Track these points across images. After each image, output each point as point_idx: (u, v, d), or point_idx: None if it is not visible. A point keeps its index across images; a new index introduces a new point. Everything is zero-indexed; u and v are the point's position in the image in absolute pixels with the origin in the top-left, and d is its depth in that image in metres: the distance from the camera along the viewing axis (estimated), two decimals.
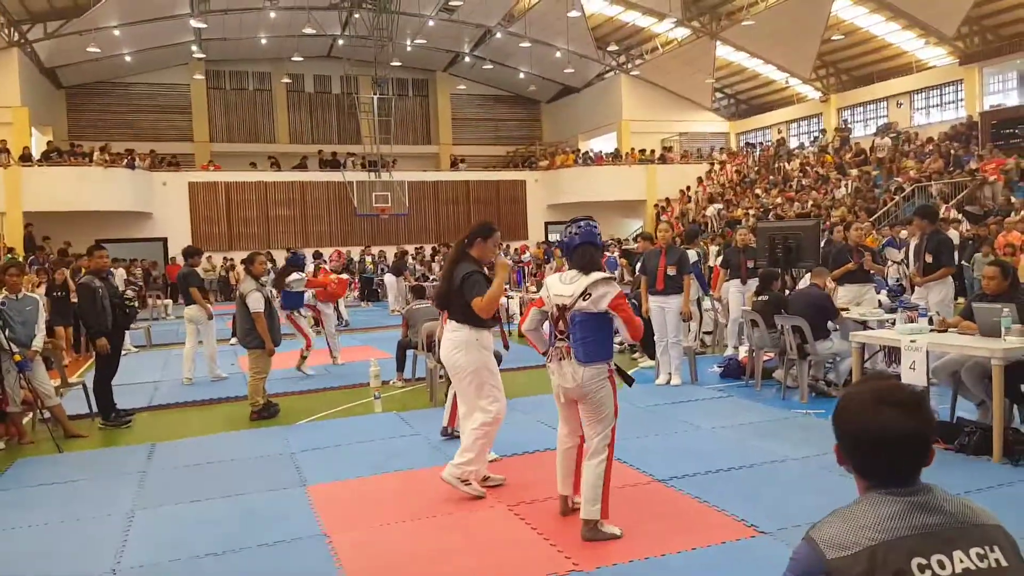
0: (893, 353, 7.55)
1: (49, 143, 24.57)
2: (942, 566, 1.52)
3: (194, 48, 26.47)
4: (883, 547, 1.53)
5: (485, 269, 4.98)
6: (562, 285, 4.30)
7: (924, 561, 1.52)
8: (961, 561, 1.53)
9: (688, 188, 27.98)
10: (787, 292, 8.78)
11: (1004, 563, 1.55)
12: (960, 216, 16.41)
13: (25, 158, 22.13)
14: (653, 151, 29.51)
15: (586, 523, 4.20)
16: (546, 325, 4.47)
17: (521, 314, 13.98)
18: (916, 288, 8.12)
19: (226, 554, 4.25)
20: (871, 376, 1.78)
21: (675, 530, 4.28)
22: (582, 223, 4.42)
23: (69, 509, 5.12)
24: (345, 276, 11.36)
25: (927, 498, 1.60)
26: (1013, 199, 15.31)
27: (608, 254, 20.47)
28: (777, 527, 4.24)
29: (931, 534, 1.55)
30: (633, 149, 29.32)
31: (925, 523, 1.56)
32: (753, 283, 9.22)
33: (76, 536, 4.66)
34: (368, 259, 25.01)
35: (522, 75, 31.23)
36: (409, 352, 9.04)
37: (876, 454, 1.61)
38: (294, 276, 10.20)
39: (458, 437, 5.96)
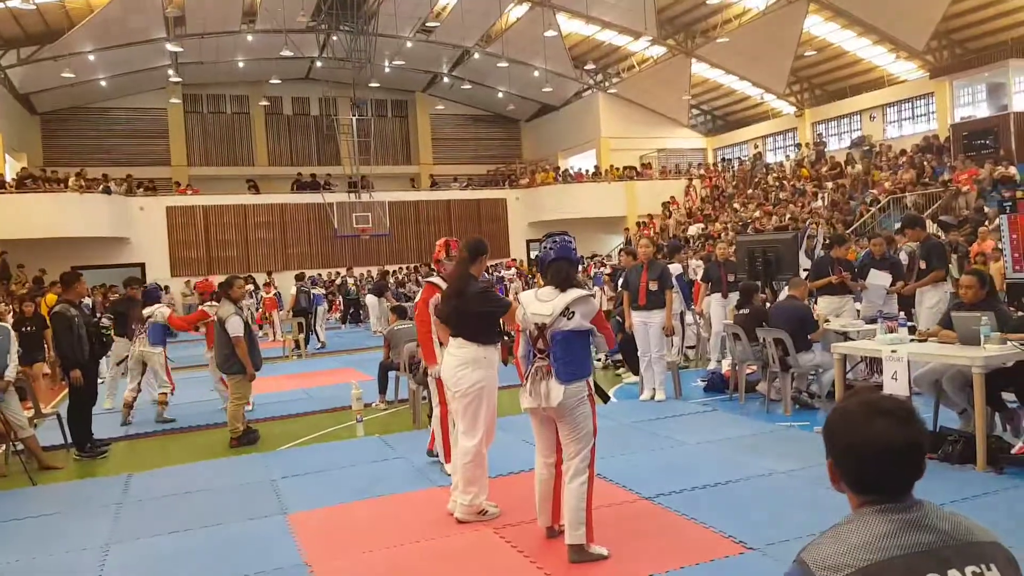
0: (874, 364, 7.59)
1: (23, 169, 24.32)
2: None
3: (170, 72, 26.38)
4: (876, 567, 1.49)
5: None
6: (539, 303, 4.21)
7: None
8: None
9: (672, 200, 28.14)
10: (768, 305, 8.80)
11: None
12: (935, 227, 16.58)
13: None
14: (632, 167, 29.67)
15: (572, 548, 4.13)
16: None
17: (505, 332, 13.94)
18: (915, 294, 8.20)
19: None
20: (858, 389, 1.73)
21: (663, 549, 4.23)
22: (558, 238, 4.36)
23: (42, 545, 4.99)
24: (213, 304, 9.98)
25: (920, 515, 1.56)
26: (987, 208, 15.47)
27: (595, 269, 20.55)
28: (765, 543, 4.20)
29: (925, 553, 1.51)
30: (612, 166, 29.48)
31: (919, 541, 1.52)
32: (734, 297, 9.24)
33: (49, 573, 4.54)
34: (350, 280, 24.89)
35: (501, 94, 31.38)
36: (391, 374, 8.96)
37: (870, 466, 1.57)
38: (157, 308, 9.29)
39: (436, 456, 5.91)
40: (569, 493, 4.14)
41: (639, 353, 8.44)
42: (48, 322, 11.16)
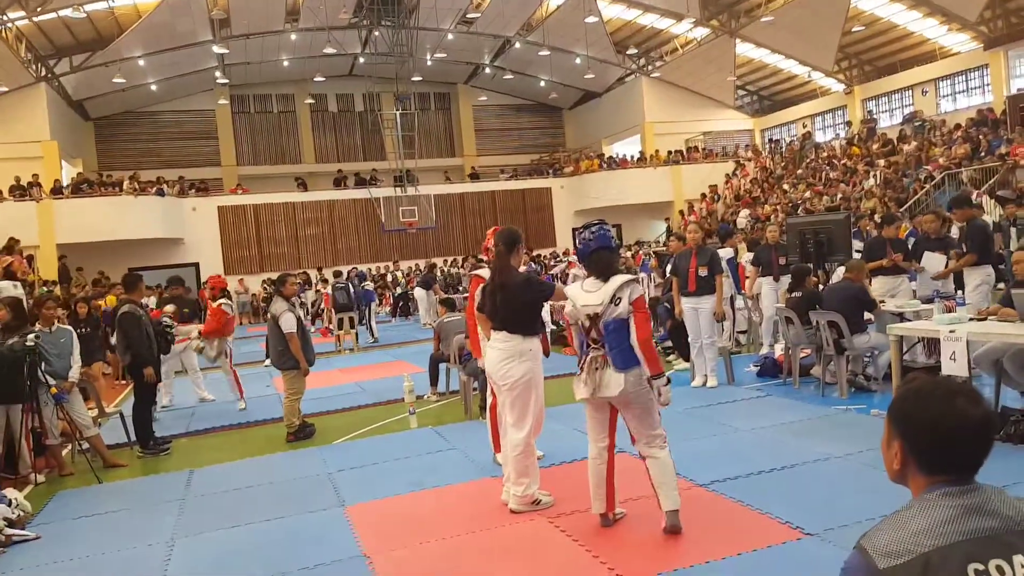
0: (932, 344, 7.41)
1: (79, 175, 25.04)
2: (1001, 571, 1.46)
3: (218, 74, 26.91)
4: (937, 553, 1.47)
5: None
6: (586, 294, 4.24)
7: (982, 567, 1.46)
8: (1022, 566, 1.46)
9: (715, 186, 27.78)
10: (820, 287, 8.65)
11: None
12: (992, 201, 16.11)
13: (56, 191, 22.57)
14: (678, 151, 29.35)
15: (674, 513, 4.21)
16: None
17: (554, 322, 13.99)
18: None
19: None
20: (916, 375, 1.71)
21: (719, 536, 4.20)
22: (595, 228, 4.36)
23: (110, 540, 5.15)
24: (224, 302, 10.01)
25: (982, 500, 1.54)
26: None
27: (644, 257, 20.39)
28: (823, 528, 4.15)
29: (988, 538, 1.48)
30: (657, 151, 29.20)
31: (981, 527, 1.50)
32: (785, 280, 9.10)
33: (117, 567, 4.68)
34: (399, 273, 25.13)
35: (543, 83, 31.28)
36: (442, 366, 9.03)
37: (948, 443, 1.56)
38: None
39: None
40: (655, 466, 4.21)
41: (690, 339, 8.37)
42: (101, 323, 11.53)
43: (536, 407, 4.85)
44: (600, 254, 4.29)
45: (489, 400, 5.83)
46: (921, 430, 1.59)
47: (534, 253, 25.99)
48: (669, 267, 9.03)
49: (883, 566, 1.49)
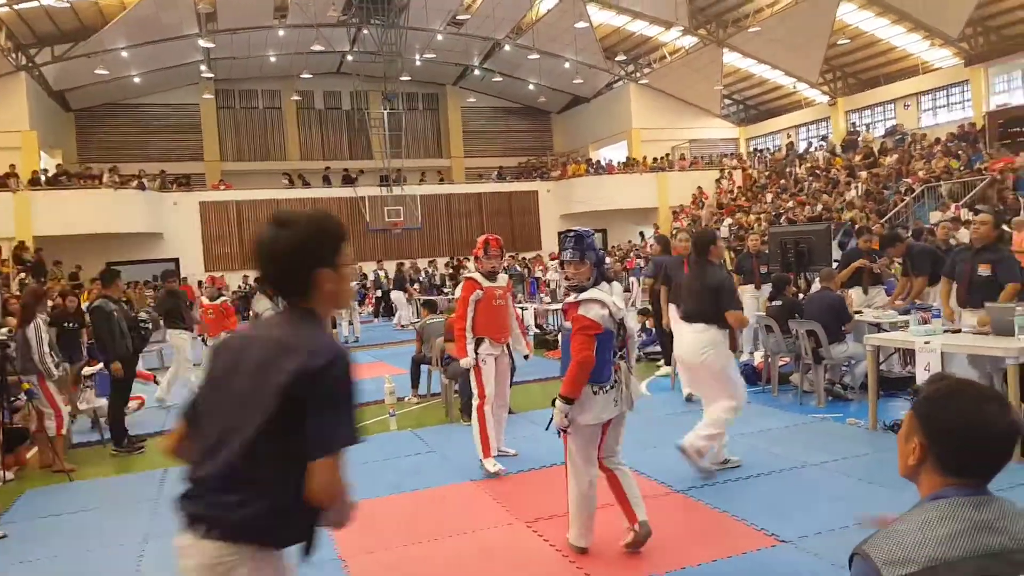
0: (908, 355, 7.50)
1: (58, 166, 24.74)
2: None
3: (203, 68, 26.69)
4: (945, 567, 1.46)
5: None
6: (615, 298, 4.11)
7: None
8: None
9: (700, 191, 27.91)
10: (801, 296, 8.72)
11: None
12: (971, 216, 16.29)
13: (34, 182, 22.25)
14: (665, 158, 29.49)
15: (647, 521, 4.12)
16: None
17: (537, 326, 13.91)
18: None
19: None
20: (947, 374, 1.74)
21: (695, 541, 4.23)
22: (583, 234, 4.18)
23: (80, 540, 5.07)
24: (225, 299, 10.41)
25: (994, 515, 1.53)
26: (1021, 198, 15.15)
27: (637, 261, 20.42)
28: (798, 535, 4.18)
29: (996, 554, 1.48)
30: (644, 157, 29.31)
31: (991, 543, 1.49)
32: (767, 288, 9.16)
33: (87, 568, 4.62)
34: (381, 274, 25.03)
35: (532, 86, 31.31)
36: (423, 368, 9.01)
37: (972, 450, 1.56)
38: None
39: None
40: (628, 478, 4.19)
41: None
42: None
43: (734, 383, 5.43)
44: (599, 258, 4.20)
45: (476, 403, 5.83)
46: (946, 431, 1.58)
47: (520, 256, 26.04)
48: (650, 269, 9.02)
49: (888, 575, 1.47)
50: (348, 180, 28.25)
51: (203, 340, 11.21)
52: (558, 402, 3.95)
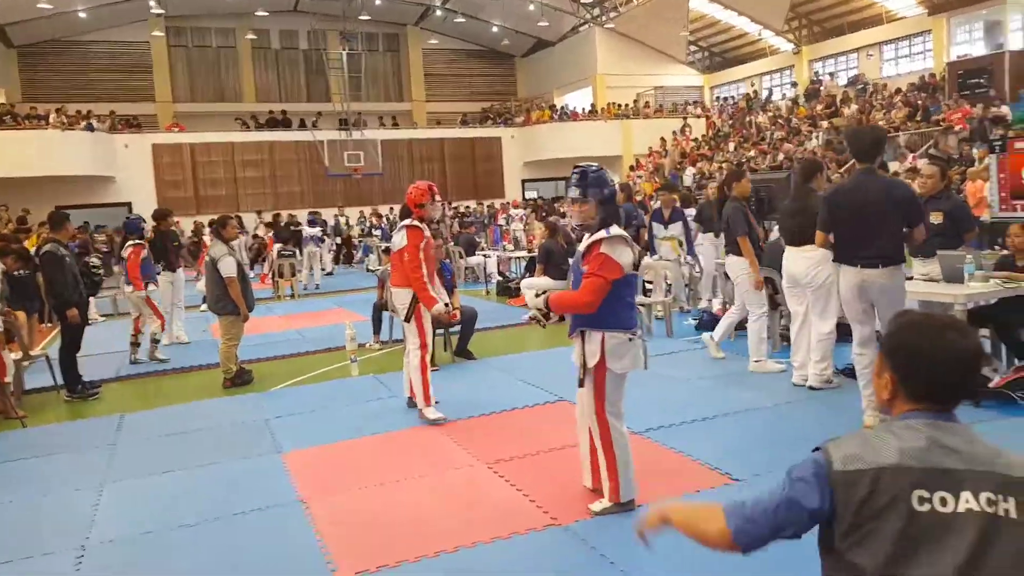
0: None
1: (1, 105, 23.81)
2: (944, 503, 1.53)
3: (152, 3, 25.62)
4: (890, 472, 1.56)
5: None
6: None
7: (926, 494, 1.54)
8: (967, 502, 1.53)
9: (664, 140, 27.85)
10: (760, 245, 8.76)
11: (1013, 515, 1.52)
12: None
13: None
14: (632, 104, 29.27)
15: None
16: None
17: (500, 273, 13.85)
18: None
19: (199, 525, 4.18)
20: (907, 311, 1.80)
21: (653, 481, 4.28)
22: (588, 169, 3.90)
23: (35, 486, 5.00)
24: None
25: (949, 437, 1.60)
26: (975, 150, 15.34)
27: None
28: (751, 474, 4.31)
29: (943, 471, 1.55)
30: (609, 104, 29.09)
31: (941, 461, 1.57)
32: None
33: (43, 513, 4.55)
34: (342, 220, 24.66)
35: (495, 28, 30.73)
36: (385, 314, 8.95)
37: (935, 373, 1.64)
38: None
39: (415, 406, 5.87)
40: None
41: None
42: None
43: (836, 304, 5.60)
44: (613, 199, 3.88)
45: (418, 353, 5.78)
46: (910, 358, 1.66)
47: (486, 203, 25.80)
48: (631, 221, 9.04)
49: (838, 468, 1.60)
50: (286, 124, 27.46)
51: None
52: (541, 299, 3.82)
